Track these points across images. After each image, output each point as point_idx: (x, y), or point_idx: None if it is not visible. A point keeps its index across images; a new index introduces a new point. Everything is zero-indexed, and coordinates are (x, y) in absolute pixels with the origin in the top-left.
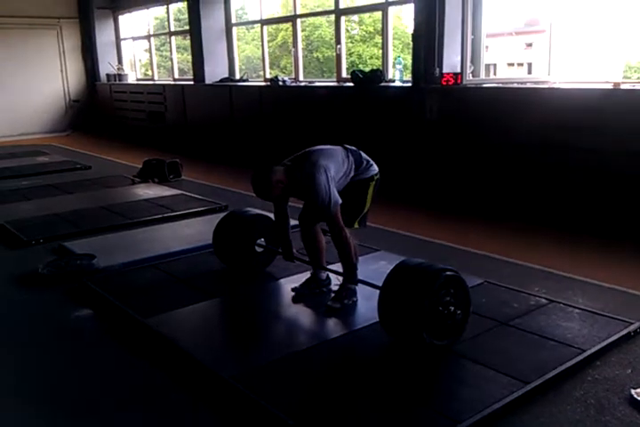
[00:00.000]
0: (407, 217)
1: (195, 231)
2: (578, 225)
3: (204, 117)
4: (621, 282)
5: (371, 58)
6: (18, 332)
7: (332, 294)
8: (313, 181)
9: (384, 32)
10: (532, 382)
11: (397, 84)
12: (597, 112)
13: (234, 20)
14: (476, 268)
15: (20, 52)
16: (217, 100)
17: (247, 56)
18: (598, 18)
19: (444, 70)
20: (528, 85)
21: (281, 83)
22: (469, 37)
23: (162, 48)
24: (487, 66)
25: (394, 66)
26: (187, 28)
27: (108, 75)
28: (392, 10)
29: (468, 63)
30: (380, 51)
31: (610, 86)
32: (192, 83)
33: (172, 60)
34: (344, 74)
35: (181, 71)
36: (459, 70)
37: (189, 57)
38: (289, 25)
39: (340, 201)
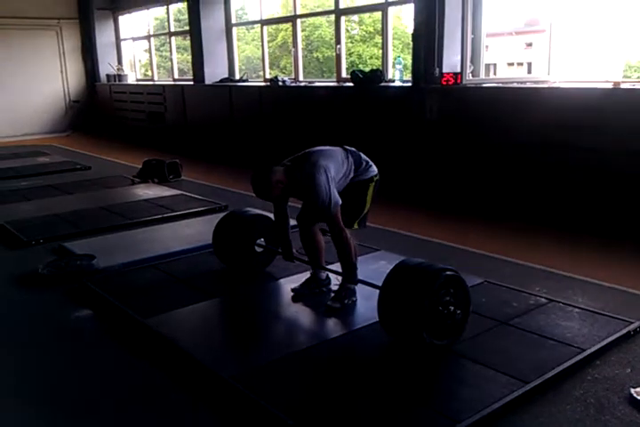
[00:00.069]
0: (407, 217)
1: (194, 231)
2: (578, 225)
3: (204, 118)
4: (621, 281)
5: (371, 58)
6: (18, 332)
7: (332, 294)
8: (313, 181)
9: (384, 32)
10: (532, 382)
11: (397, 84)
12: (597, 111)
13: (234, 21)
14: (476, 267)
15: (21, 53)
16: (217, 100)
17: (247, 56)
18: (598, 17)
19: (444, 70)
20: (528, 85)
21: (281, 83)
22: (469, 37)
23: (162, 48)
24: (487, 66)
25: (394, 66)
26: (187, 28)
27: (107, 75)
28: (392, 10)
29: (468, 63)
30: (380, 51)
31: (610, 86)
32: (192, 83)
33: (171, 60)
34: (344, 74)
35: (181, 71)
36: (459, 70)
37: (189, 57)
38: (289, 25)
39: (341, 202)
